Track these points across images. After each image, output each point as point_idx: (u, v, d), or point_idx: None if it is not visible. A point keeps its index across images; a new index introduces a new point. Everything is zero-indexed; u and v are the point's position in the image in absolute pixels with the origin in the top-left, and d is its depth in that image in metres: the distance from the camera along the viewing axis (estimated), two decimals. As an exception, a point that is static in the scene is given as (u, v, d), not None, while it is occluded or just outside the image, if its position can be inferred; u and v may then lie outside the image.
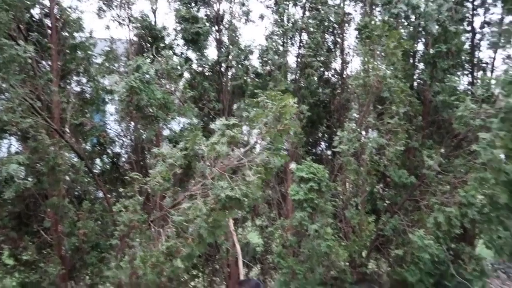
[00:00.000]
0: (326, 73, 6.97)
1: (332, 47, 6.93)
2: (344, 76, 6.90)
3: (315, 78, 6.39)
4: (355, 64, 7.20)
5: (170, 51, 5.50)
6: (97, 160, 5.62)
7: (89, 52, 5.57)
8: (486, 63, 7.05)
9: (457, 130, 5.74)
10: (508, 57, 6.38)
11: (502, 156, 5.15)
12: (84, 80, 5.66)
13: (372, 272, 5.79)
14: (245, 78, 6.18)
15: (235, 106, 5.99)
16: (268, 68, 6.20)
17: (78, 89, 5.66)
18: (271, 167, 3.38)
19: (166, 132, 5.36)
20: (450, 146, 5.94)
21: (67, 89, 5.42)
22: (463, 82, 6.96)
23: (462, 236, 5.75)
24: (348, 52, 7.04)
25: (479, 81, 6.75)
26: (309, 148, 6.39)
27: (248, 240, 5.70)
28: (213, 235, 3.30)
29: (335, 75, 6.97)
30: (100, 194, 5.27)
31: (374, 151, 5.99)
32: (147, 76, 4.27)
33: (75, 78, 5.69)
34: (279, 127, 3.20)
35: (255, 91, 3.83)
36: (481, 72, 7.15)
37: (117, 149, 5.66)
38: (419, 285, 5.23)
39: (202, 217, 3.15)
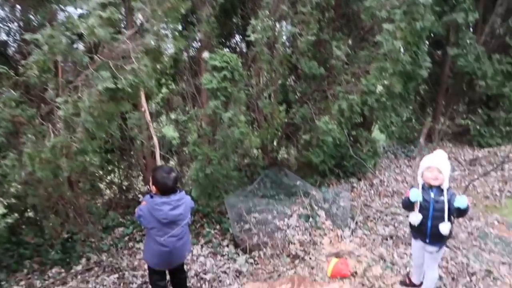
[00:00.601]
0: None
1: None
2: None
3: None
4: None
5: None
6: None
7: None
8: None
9: (364, 23, 5.98)
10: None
11: (401, 47, 5.55)
12: None
13: (283, 158, 6.30)
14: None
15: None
16: None
17: None
18: (165, 53, 3.22)
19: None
20: (357, 38, 6.22)
21: None
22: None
23: (361, 123, 6.38)
24: None
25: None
26: (223, 40, 6.21)
27: (163, 133, 5.67)
28: (104, 129, 3.18)
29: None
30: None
31: (287, 44, 6.05)
32: None
33: None
34: (166, 5, 2.95)
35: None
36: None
37: (4, 37, 4.91)
38: (322, 166, 5.85)
39: (86, 110, 2.97)
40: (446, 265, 4.17)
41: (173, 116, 5.83)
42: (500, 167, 7.54)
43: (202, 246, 4.65)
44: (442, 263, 4.11)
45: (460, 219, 5.24)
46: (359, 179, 6.67)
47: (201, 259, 4.39)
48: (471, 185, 6.70)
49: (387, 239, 4.78)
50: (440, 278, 3.86)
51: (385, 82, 5.63)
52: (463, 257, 4.34)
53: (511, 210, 5.87)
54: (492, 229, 5.14)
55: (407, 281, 3.86)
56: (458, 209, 3.08)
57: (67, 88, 3.24)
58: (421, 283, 3.71)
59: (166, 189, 3.11)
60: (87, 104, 2.95)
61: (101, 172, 5.33)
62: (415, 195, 3.15)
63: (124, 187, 5.70)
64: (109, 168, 5.50)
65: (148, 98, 4.62)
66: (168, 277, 3.55)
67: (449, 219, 3.19)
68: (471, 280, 3.93)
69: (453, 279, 3.97)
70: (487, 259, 4.34)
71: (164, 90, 5.74)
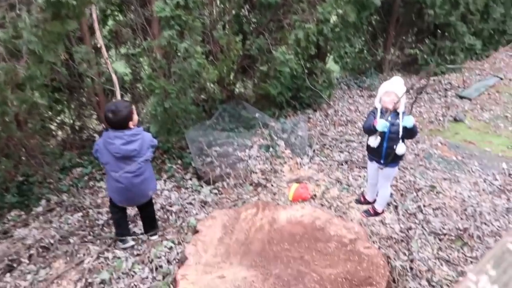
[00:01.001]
0: None
1: None
2: None
3: None
4: None
5: None
6: None
7: None
8: None
9: None
10: None
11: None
12: None
13: (240, 91, 6.25)
14: None
15: None
16: None
17: None
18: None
19: None
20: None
21: None
22: None
23: (316, 54, 6.39)
24: None
25: None
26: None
27: (114, 69, 5.36)
28: (51, 52, 2.93)
29: None
30: None
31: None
32: None
33: None
34: None
35: None
36: None
37: None
38: (280, 97, 5.91)
39: (28, 30, 2.71)
40: (396, 184, 4.54)
41: (123, 50, 5.49)
42: (444, 94, 8.02)
43: (165, 181, 4.68)
44: (392, 182, 4.46)
45: (408, 143, 5.62)
46: (315, 110, 6.84)
47: (166, 193, 4.44)
48: (417, 112, 7.11)
49: (342, 164, 5.07)
50: (391, 195, 4.21)
51: (340, 11, 5.60)
52: (411, 176, 4.73)
53: (453, 132, 6.36)
54: (436, 150, 5.59)
55: (362, 199, 4.18)
56: (405, 128, 3.28)
57: (2, 8, 2.90)
58: (374, 200, 4.03)
59: (111, 124, 3.04)
60: (28, 23, 2.67)
61: (50, 113, 5.03)
62: (383, 126, 3.27)
63: (76, 127, 5.45)
64: (58, 108, 5.20)
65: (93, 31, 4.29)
66: (135, 211, 3.59)
67: (403, 141, 3.41)
68: (417, 195, 4.32)
69: (401, 195, 4.35)
70: (431, 176, 4.77)
71: (110, 22, 5.33)
